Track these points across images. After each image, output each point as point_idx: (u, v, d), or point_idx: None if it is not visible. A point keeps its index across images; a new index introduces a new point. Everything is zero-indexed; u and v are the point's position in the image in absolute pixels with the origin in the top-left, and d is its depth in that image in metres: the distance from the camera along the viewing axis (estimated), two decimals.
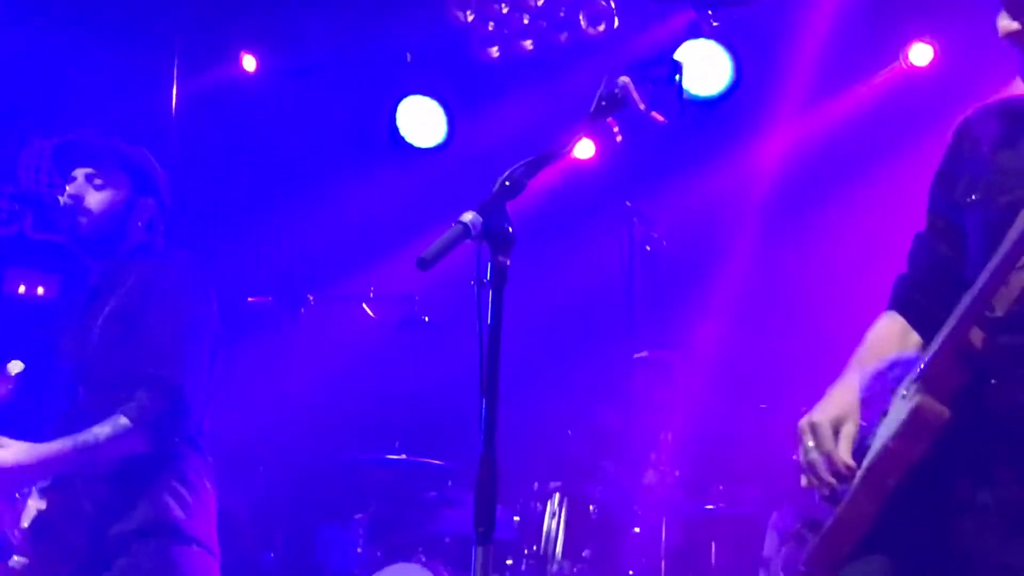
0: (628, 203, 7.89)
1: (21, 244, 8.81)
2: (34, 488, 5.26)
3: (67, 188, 5.36)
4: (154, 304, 5.29)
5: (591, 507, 7.76)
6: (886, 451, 3.42)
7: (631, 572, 7.71)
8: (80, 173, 5.37)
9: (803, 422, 3.56)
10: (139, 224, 5.45)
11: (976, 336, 3.39)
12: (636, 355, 7.81)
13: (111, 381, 5.20)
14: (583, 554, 7.72)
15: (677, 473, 7.73)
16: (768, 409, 7.57)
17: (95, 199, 5.36)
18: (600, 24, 8.72)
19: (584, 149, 8.16)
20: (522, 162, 3.90)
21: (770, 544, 7.22)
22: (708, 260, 8.62)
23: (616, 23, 8.65)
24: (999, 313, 3.41)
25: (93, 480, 5.13)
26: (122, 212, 5.41)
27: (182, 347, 5.24)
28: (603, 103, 4.00)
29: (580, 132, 4.15)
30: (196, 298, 5.39)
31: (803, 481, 3.54)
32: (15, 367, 6.10)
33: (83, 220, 5.34)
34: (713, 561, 7.73)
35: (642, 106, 3.97)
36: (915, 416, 3.36)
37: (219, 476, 5.65)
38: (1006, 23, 3.63)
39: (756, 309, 8.38)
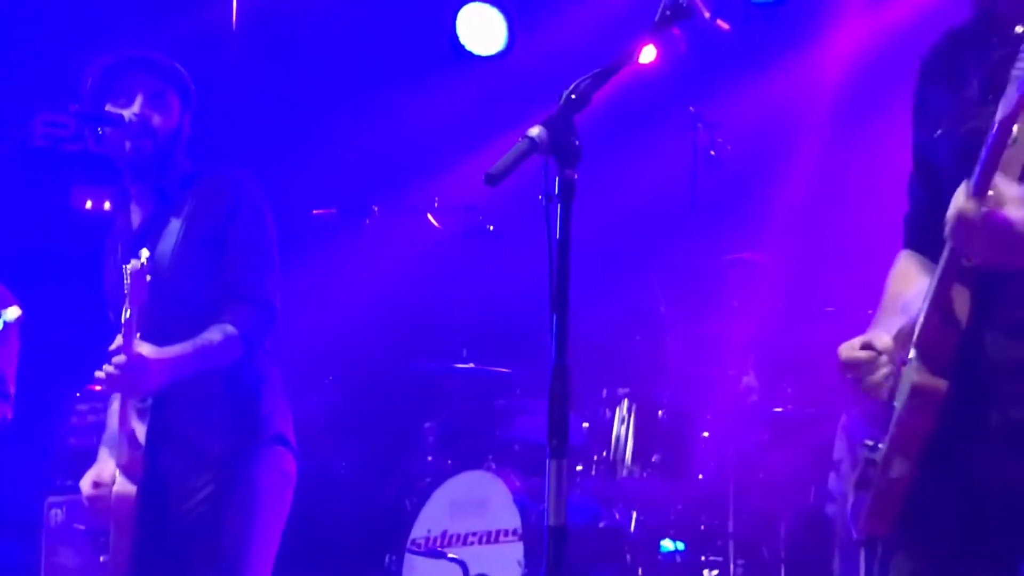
0: (692, 108, 7.86)
1: (86, 160, 8.84)
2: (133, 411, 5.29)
3: (131, 107, 5.33)
4: (238, 223, 5.40)
5: (659, 412, 7.76)
6: (900, 422, 3.40)
7: (700, 476, 7.75)
8: (141, 92, 5.34)
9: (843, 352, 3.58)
10: (183, 132, 5.46)
11: (959, 293, 3.37)
12: (726, 257, 7.80)
13: (190, 298, 5.27)
14: (652, 459, 7.73)
15: (748, 376, 7.72)
16: (837, 312, 7.54)
17: (158, 120, 5.35)
18: None
19: (646, 55, 8.10)
20: (587, 75, 3.88)
21: (840, 447, 7.19)
22: (774, 164, 8.58)
23: None
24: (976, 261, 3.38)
25: (187, 394, 5.22)
26: (177, 133, 5.41)
27: (270, 263, 5.33)
28: (668, 12, 3.97)
29: (644, 42, 4.13)
30: (268, 214, 5.40)
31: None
32: (12, 313, 6.15)
33: (149, 142, 5.33)
34: (783, 464, 7.71)
35: (707, 14, 3.94)
36: (915, 393, 3.35)
37: (290, 386, 5.72)
38: None
39: (823, 213, 8.32)
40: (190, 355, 5.14)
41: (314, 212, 8.70)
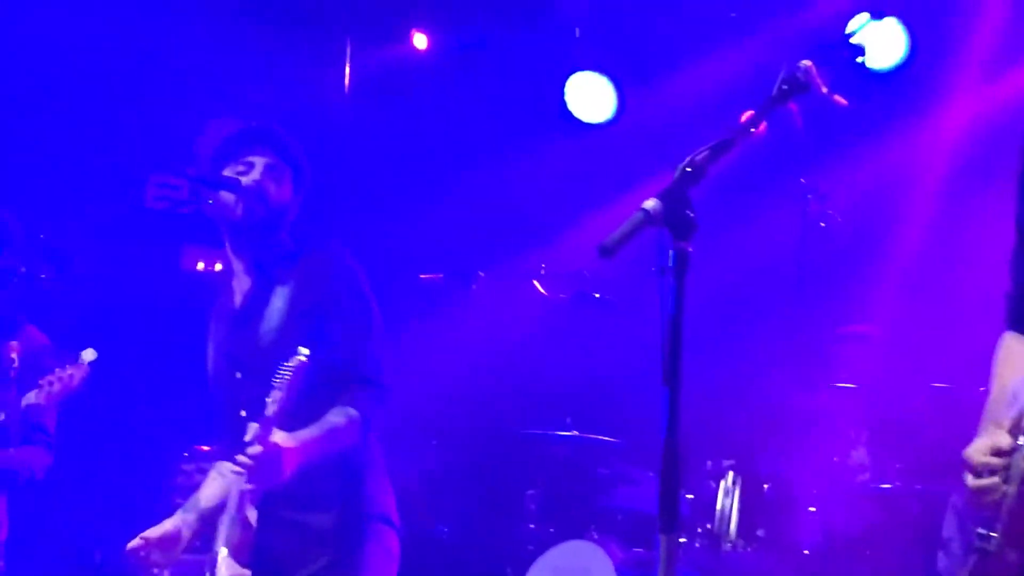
0: (802, 179, 7.82)
1: (198, 222, 8.90)
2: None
3: (250, 175, 5.34)
4: (343, 303, 5.34)
5: (765, 485, 7.73)
6: (1012, 511, 3.46)
7: (806, 552, 7.62)
8: (259, 162, 5.33)
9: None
10: (295, 201, 5.47)
11: None
12: (838, 329, 7.77)
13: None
14: (757, 533, 7.71)
15: (858, 451, 7.67)
16: (948, 388, 7.47)
17: (274, 191, 5.36)
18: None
19: (759, 126, 8.06)
20: (703, 148, 3.85)
21: (949, 525, 7.13)
22: (884, 236, 8.53)
23: None
24: None
25: (296, 475, 5.14)
26: (286, 208, 5.42)
27: (379, 341, 5.30)
28: (785, 87, 3.92)
29: (761, 117, 4.09)
30: (369, 290, 5.40)
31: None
32: (88, 355, 6.16)
33: (262, 210, 5.33)
34: (891, 542, 7.65)
35: (825, 89, 3.91)
36: None
37: (395, 451, 5.72)
38: None
39: (933, 286, 8.27)
40: (319, 439, 5.09)
41: (421, 276, 8.72)
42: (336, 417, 5.09)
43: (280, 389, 4.94)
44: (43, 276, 6.20)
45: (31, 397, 6.29)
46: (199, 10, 8.88)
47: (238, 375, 5.38)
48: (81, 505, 8.51)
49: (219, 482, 5.41)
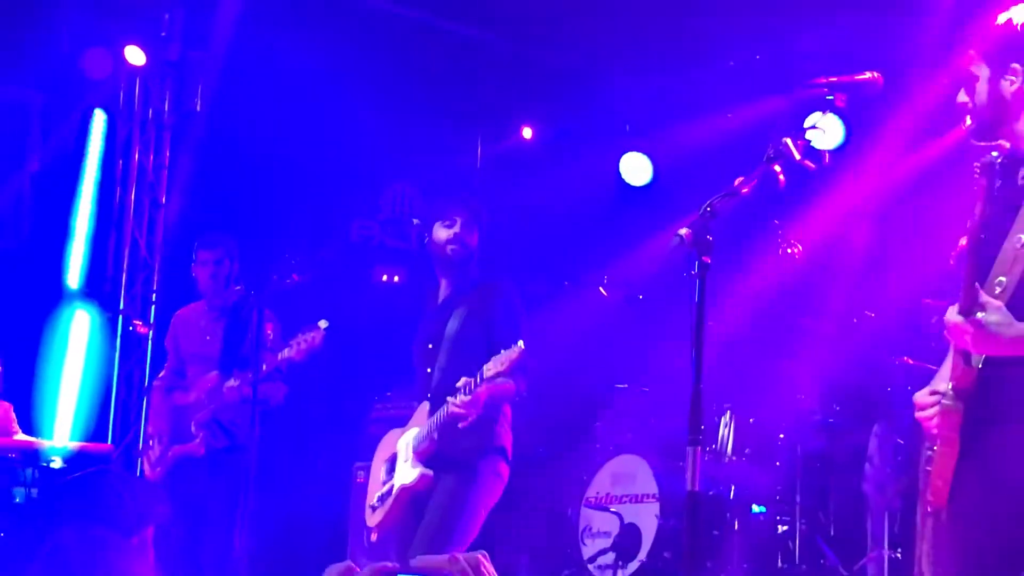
0: (776, 221, 7.83)
1: (384, 250, 8.97)
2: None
3: (453, 228, 5.48)
4: (502, 314, 5.41)
5: (751, 420, 7.74)
6: (939, 432, 3.49)
7: (778, 463, 7.64)
8: (459, 219, 5.49)
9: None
10: (476, 253, 5.57)
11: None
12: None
13: (468, 360, 5.26)
14: (745, 451, 7.70)
15: (812, 399, 7.72)
16: (873, 356, 7.44)
17: (468, 239, 5.48)
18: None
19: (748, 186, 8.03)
20: (717, 195, 3.92)
21: (872, 446, 7.15)
22: (831, 260, 8.47)
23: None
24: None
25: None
26: (475, 250, 5.56)
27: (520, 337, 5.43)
28: (771, 154, 3.99)
29: (756, 176, 4.16)
30: (521, 306, 5.52)
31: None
32: (323, 324, 6.25)
33: (462, 252, 5.44)
34: (834, 457, 7.63)
35: (798, 157, 3.96)
36: (944, 412, 3.48)
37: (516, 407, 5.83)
38: None
39: (871, 294, 8.23)
40: (494, 393, 5.16)
41: (565, 283, 8.79)
42: (506, 383, 5.19)
43: (496, 365, 5.05)
44: (288, 281, 6.30)
45: (285, 353, 6.37)
46: (382, 109, 8.92)
47: (430, 346, 5.50)
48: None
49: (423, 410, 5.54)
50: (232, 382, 6.44)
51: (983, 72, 3.52)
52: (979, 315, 3.27)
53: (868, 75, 4.17)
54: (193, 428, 6.56)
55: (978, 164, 3.44)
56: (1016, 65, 3.50)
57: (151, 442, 6.80)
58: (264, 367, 6.23)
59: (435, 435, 5.24)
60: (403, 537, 5.35)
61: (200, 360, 6.76)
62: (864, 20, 7.99)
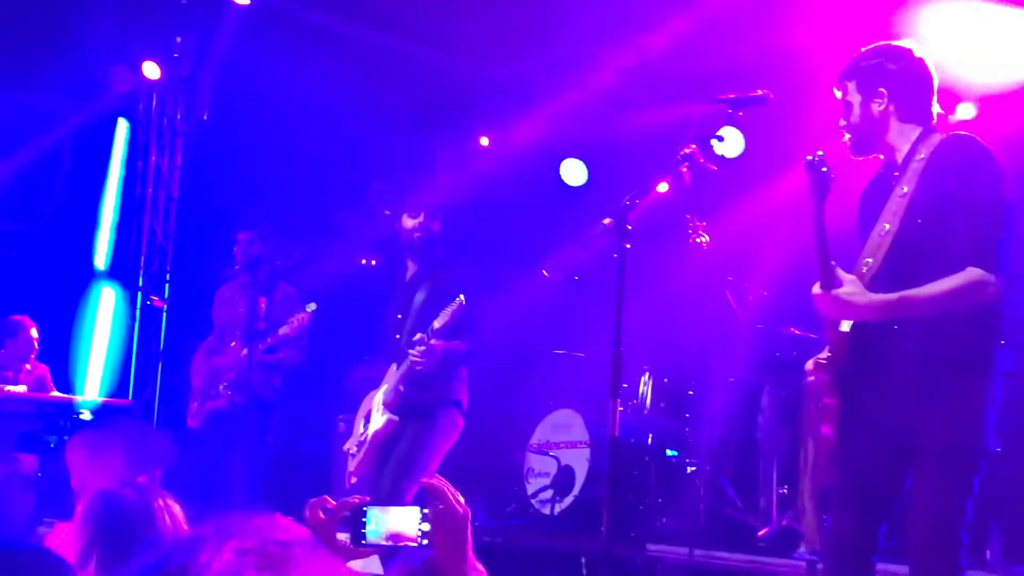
0: (687, 215, 7.88)
1: (365, 239, 8.94)
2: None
3: (417, 219, 5.51)
4: (460, 289, 5.34)
5: (665, 380, 7.82)
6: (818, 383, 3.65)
7: (687, 415, 7.76)
8: (424, 212, 5.53)
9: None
10: (437, 240, 5.59)
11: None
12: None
13: (426, 324, 5.31)
14: (661, 405, 7.81)
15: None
16: (763, 330, 7.52)
17: (431, 228, 5.55)
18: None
19: (664, 186, 8.05)
20: (634, 192, 3.99)
21: (763, 401, 7.23)
22: (731, 250, 8.49)
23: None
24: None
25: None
26: (436, 237, 5.57)
27: (477, 312, 5.44)
28: (680, 158, 4.05)
29: (666, 176, 4.22)
30: (478, 281, 5.58)
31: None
32: (311, 307, 6.29)
33: (425, 238, 5.55)
34: (736, 408, 7.70)
35: (703, 160, 4.01)
36: (818, 367, 3.65)
37: (474, 369, 5.83)
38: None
39: (774, 277, 8.31)
40: (453, 350, 5.29)
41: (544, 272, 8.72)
42: (459, 344, 5.21)
43: (443, 318, 5.10)
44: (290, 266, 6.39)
45: (284, 329, 6.42)
46: (361, 119, 8.90)
47: (399, 316, 5.52)
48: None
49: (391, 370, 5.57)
50: (244, 351, 6.53)
51: (856, 98, 3.62)
52: (837, 290, 3.38)
53: (761, 92, 4.24)
54: (220, 388, 6.66)
55: (803, 163, 3.53)
56: (883, 90, 3.60)
57: (193, 399, 6.99)
58: (268, 340, 6.38)
59: (401, 387, 5.32)
60: (375, 476, 5.39)
61: (232, 328, 6.89)
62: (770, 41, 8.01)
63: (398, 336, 5.56)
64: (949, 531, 3.31)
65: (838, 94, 3.71)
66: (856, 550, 3.49)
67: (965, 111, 7.37)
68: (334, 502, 2.64)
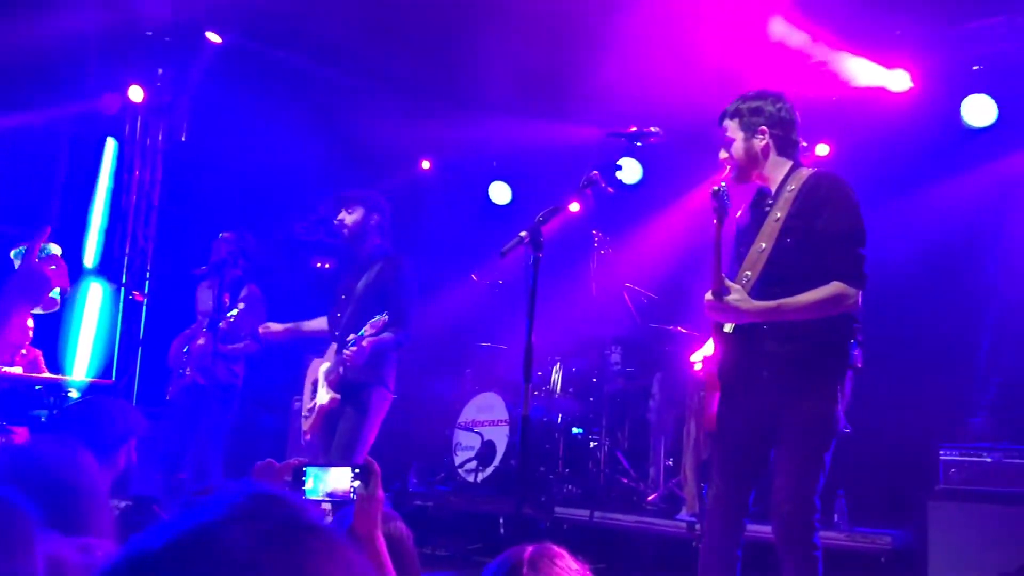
0: (593, 231, 7.88)
1: (319, 245, 8.83)
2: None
3: (352, 214, 5.40)
4: (399, 280, 5.28)
5: (573, 368, 7.84)
6: (707, 375, 3.63)
7: (591, 399, 7.72)
8: (354, 208, 5.40)
9: None
10: (376, 231, 5.48)
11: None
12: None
13: (364, 317, 5.15)
14: (569, 390, 7.80)
15: (614, 354, 7.78)
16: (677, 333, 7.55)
17: (350, 219, 5.40)
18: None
19: (575, 205, 8.04)
20: (546, 210, 3.94)
21: (655, 387, 7.26)
22: (630, 260, 8.53)
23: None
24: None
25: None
26: (368, 231, 5.45)
27: (412, 302, 5.33)
28: (585, 182, 4.01)
29: (573, 197, 4.18)
30: (412, 275, 5.38)
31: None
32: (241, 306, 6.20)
33: (345, 232, 5.39)
34: (629, 394, 7.72)
35: (604, 184, 3.98)
36: (707, 361, 3.65)
37: (409, 358, 5.72)
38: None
39: (659, 279, 8.34)
40: (381, 344, 5.11)
41: (474, 277, 8.61)
42: (388, 336, 5.12)
43: (370, 327, 4.99)
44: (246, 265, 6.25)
45: (234, 313, 6.28)
46: (316, 141, 8.81)
47: (343, 297, 5.43)
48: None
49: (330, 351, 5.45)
50: (200, 340, 6.39)
51: (739, 135, 3.62)
52: (726, 296, 3.37)
53: (654, 129, 4.22)
54: (187, 371, 6.50)
55: (710, 193, 3.54)
56: (763, 128, 3.59)
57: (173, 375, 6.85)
58: (222, 326, 6.23)
59: (340, 370, 5.20)
60: (323, 442, 5.31)
61: (204, 317, 6.73)
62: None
63: (339, 315, 5.48)
64: (806, 498, 3.35)
65: (723, 129, 3.71)
66: (730, 512, 3.50)
67: (821, 149, 7.50)
68: (278, 464, 2.61)
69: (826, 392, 3.38)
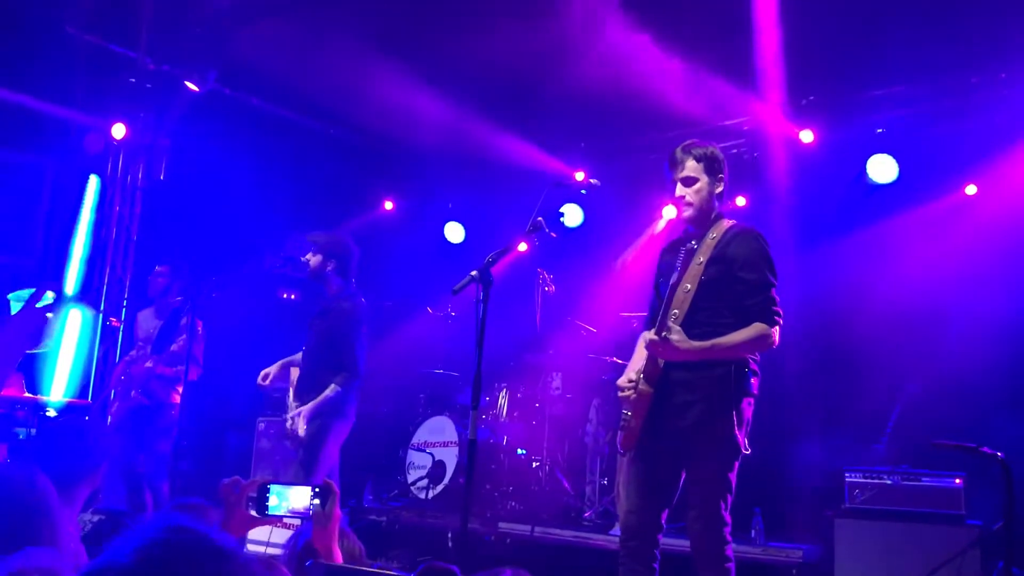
0: (539, 269, 7.95)
1: (286, 278, 8.78)
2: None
3: (306, 256, 5.43)
4: (346, 323, 5.32)
5: (519, 394, 7.77)
6: (635, 404, 3.55)
7: (534, 423, 7.62)
8: (314, 252, 5.44)
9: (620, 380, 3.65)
10: (333, 274, 5.49)
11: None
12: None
13: (316, 355, 5.31)
14: (515, 414, 7.73)
15: (555, 381, 7.80)
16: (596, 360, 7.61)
17: (313, 262, 5.42)
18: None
19: (523, 246, 8.08)
20: (495, 252, 3.98)
21: (591, 411, 7.31)
22: (569, 296, 8.57)
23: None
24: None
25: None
26: (328, 273, 5.47)
27: (361, 345, 5.33)
28: (531, 227, 4.07)
29: (521, 239, 4.23)
30: (364, 318, 5.42)
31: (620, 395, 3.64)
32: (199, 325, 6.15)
33: (308, 271, 5.45)
34: (568, 419, 7.71)
35: (547, 229, 4.04)
36: (641, 393, 3.55)
37: (369, 387, 5.72)
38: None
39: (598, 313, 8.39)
40: (323, 402, 5.15)
41: (429, 309, 8.50)
42: (331, 392, 5.14)
43: (315, 404, 5.16)
44: (213, 295, 6.18)
45: (174, 346, 6.25)
46: (285, 181, 8.83)
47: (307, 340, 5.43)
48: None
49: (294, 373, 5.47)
50: (148, 363, 6.35)
51: (704, 179, 3.62)
52: (667, 335, 3.41)
53: (594, 181, 4.30)
54: (133, 392, 6.43)
55: (684, 247, 3.62)
56: (721, 176, 3.65)
57: (113, 400, 6.70)
58: (174, 347, 6.22)
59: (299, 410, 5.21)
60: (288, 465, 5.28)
61: (146, 345, 6.64)
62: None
63: (304, 350, 5.49)
64: (714, 514, 3.41)
65: (682, 169, 3.60)
66: (645, 528, 3.50)
67: (739, 200, 7.70)
68: (244, 481, 2.63)
69: (726, 418, 3.41)
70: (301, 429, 5.07)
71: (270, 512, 2.55)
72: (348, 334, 5.32)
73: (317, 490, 2.54)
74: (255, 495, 2.57)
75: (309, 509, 2.49)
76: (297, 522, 2.85)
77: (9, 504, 2.25)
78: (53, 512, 2.37)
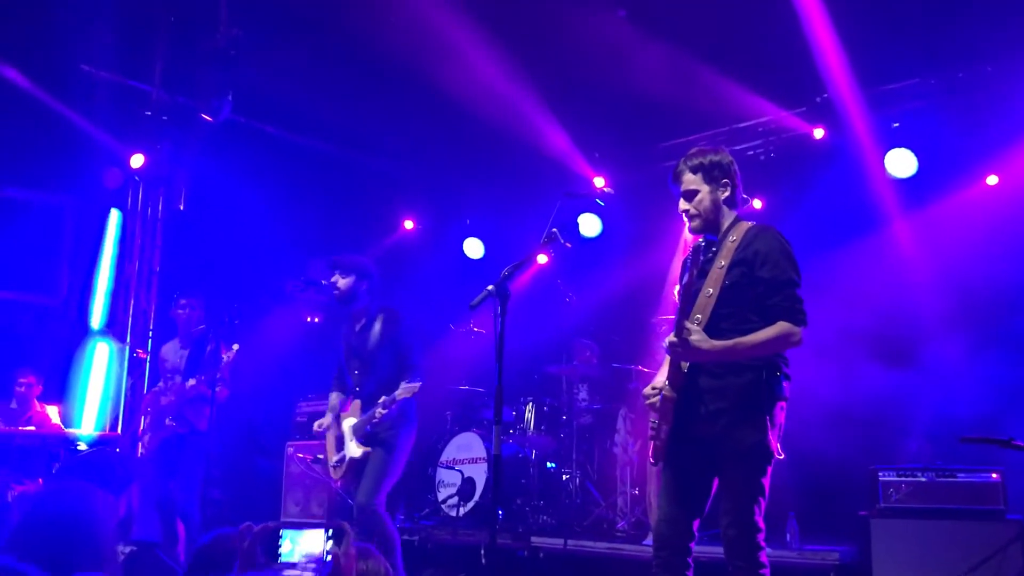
0: (559, 280, 7.94)
1: (310, 301, 8.82)
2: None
3: (332, 279, 5.45)
4: (399, 331, 5.33)
5: (544, 408, 7.79)
6: (661, 411, 3.50)
7: (562, 435, 7.66)
8: (341, 275, 5.45)
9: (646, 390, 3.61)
10: (366, 294, 5.50)
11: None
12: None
13: (381, 367, 5.28)
14: (541, 428, 7.74)
15: (580, 392, 7.77)
16: (618, 368, 7.57)
17: (342, 283, 5.44)
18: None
19: (542, 258, 8.11)
20: (511, 265, 3.96)
21: (620, 420, 7.27)
22: (594, 308, 8.57)
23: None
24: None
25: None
26: (357, 292, 5.50)
27: (420, 348, 5.36)
28: (546, 238, 4.05)
29: (538, 250, 4.21)
30: (407, 326, 5.42)
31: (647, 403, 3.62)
32: (235, 347, 6.15)
33: (336, 293, 5.44)
34: (595, 429, 7.70)
35: (562, 240, 4.02)
36: (666, 399, 3.49)
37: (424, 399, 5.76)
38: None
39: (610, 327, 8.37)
40: (400, 403, 5.15)
41: (451, 326, 8.54)
42: (403, 390, 5.14)
43: (406, 390, 5.08)
44: (236, 322, 6.23)
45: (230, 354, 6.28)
46: (306, 208, 8.90)
47: (351, 354, 5.43)
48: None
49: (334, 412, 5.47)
50: (191, 381, 6.34)
51: (704, 188, 3.60)
52: (687, 337, 3.37)
53: (607, 190, 4.28)
54: (167, 420, 6.43)
55: (692, 247, 3.58)
56: (726, 181, 3.61)
57: (144, 431, 6.70)
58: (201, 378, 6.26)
59: (368, 427, 5.20)
60: (354, 484, 5.28)
61: (174, 375, 6.65)
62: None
63: (356, 372, 5.49)
64: (747, 521, 3.33)
65: (683, 184, 3.59)
66: (677, 537, 3.45)
67: (756, 203, 7.66)
68: (256, 527, 2.57)
69: (758, 423, 3.35)
70: (379, 413, 5.09)
71: (283, 560, 2.49)
72: (406, 337, 5.36)
73: (331, 532, 2.45)
74: (267, 539, 2.50)
75: (324, 554, 2.41)
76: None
77: (63, 527, 2.22)
78: (106, 540, 2.36)
